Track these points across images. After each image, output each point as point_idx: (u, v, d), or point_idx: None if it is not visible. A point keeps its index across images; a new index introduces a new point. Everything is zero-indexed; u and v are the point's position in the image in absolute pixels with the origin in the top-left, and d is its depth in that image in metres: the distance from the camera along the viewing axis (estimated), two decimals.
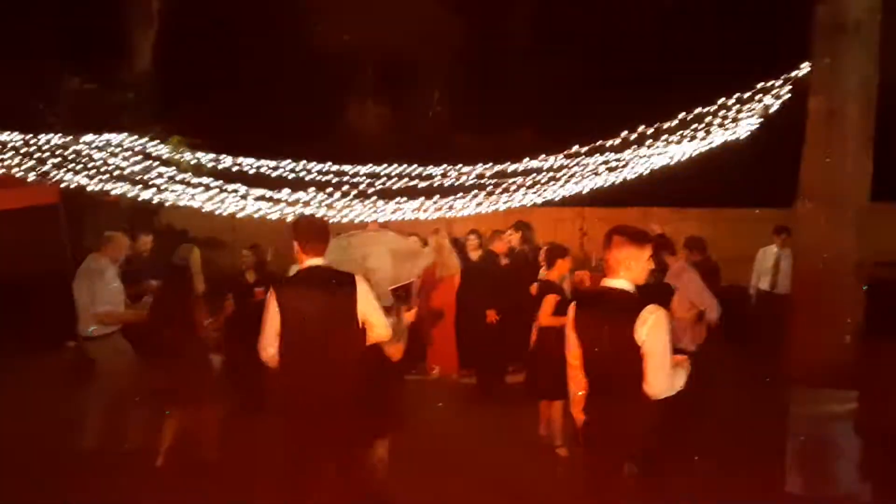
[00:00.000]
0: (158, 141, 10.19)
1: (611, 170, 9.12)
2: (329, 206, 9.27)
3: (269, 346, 4.55)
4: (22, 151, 7.87)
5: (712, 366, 8.03)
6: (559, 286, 7.18)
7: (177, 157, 10.61)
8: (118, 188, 9.13)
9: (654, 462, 4.78)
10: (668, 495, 4.30)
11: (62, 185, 8.66)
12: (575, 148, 7.86)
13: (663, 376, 3.99)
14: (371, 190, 8.87)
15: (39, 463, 6.62)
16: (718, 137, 8.68)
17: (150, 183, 9.45)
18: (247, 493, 5.92)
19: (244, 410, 7.33)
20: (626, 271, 4.12)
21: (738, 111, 7.94)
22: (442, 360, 9.79)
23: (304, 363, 4.49)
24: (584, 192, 10.18)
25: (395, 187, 8.80)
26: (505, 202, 9.27)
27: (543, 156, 8.42)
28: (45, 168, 8.12)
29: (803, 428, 5.78)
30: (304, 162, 9.15)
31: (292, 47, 15.75)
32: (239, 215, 9.42)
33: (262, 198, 9.41)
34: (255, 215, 9.45)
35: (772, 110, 7.96)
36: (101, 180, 8.76)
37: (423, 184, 9.07)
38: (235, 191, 9.46)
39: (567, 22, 15.64)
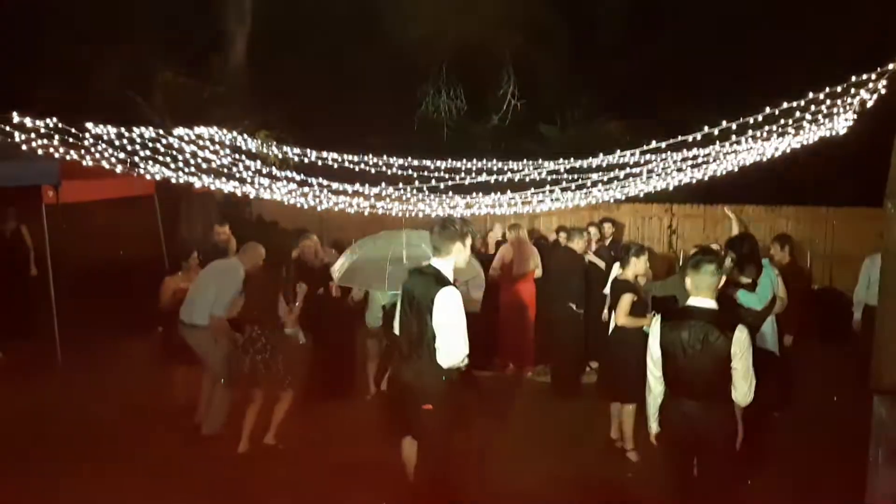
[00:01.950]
0: (246, 135, 10.46)
1: (695, 166, 8.80)
2: (405, 201, 9.30)
3: None
4: (115, 144, 8.19)
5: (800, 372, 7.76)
6: (634, 285, 7.02)
7: (264, 150, 10.88)
8: (206, 181, 9.40)
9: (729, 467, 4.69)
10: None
11: (153, 178, 8.98)
12: (654, 143, 7.59)
13: (748, 387, 4.40)
14: (447, 185, 8.83)
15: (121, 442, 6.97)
16: (812, 133, 8.25)
17: (238, 176, 9.69)
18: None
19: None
20: (711, 292, 4.54)
21: (831, 106, 7.51)
22: (517, 357, 9.72)
23: None
24: (670, 189, 9.87)
25: (468, 182, 8.74)
26: (584, 198, 9.08)
27: (620, 151, 8.18)
28: (136, 160, 8.43)
29: (886, 436, 5.45)
30: (385, 156, 9.21)
31: (375, 41, 15.89)
32: (319, 208, 9.57)
33: (343, 191, 9.51)
34: (336, 208, 9.58)
35: (868, 105, 7.49)
36: (189, 173, 9.04)
37: (501, 178, 8.98)
38: (319, 184, 9.60)
39: (653, 13, 15.24)
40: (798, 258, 8.42)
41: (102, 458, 6.55)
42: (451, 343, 4.71)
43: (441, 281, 4.80)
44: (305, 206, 9.23)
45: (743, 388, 4.40)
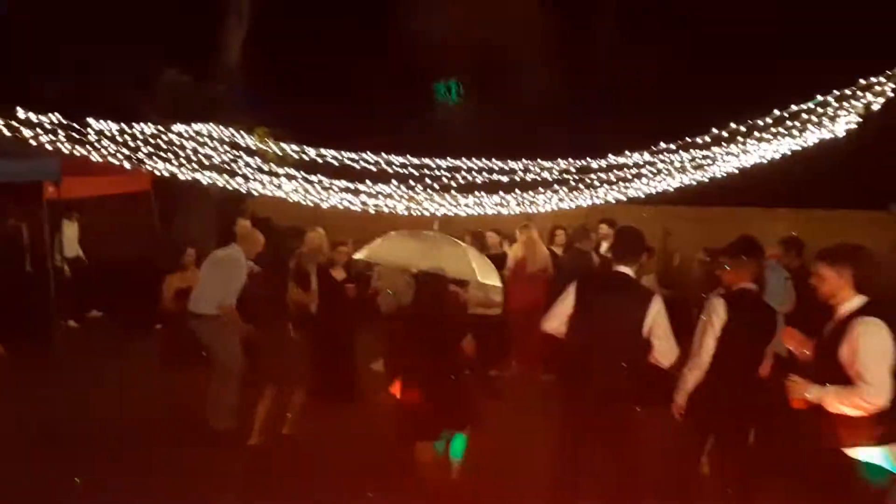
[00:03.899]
0: (245, 132, 10.41)
1: (697, 167, 8.86)
2: (410, 199, 9.29)
3: None
4: (118, 140, 8.13)
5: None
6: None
7: (262, 147, 10.82)
8: (207, 177, 9.35)
9: None
10: None
11: (154, 174, 8.93)
12: (661, 144, 7.64)
13: None
14: (453, 183, 8.84)
15: (136, 440, 6.88)
16: (814, 136, 8.33)
17: (237, 173, 9.65)
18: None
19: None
20: None
21: (838, 109, 7.59)
22: (526, 357, 9.66)
23: None
24: (670, 190, 9.94)
25: (476, 181, 8.75)
26: (588, 198, 9.11)
27: (628, 152, 8.23)
28: (139, 157, 8.37)
29: None
30: (384, 154, 9.19)
31: (376, 41, 15.86)
32: (323, 205, 9.53)
33: (344, 189, 9.49)
34: (339, 206, 9.55)
35: (873, 108, 7.57)
36: (190, 169, 8.98)
37: (504, 178, 9.00)
38: (320, 181, 9.58)
39: (659, 15, 15.30)
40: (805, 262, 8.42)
41: (99, 457, 6.44)
42: None
43: None
44: (310, 204, 9.19)
45: None
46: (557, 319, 4.86)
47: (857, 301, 3.82)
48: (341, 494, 5.95)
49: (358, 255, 7.67)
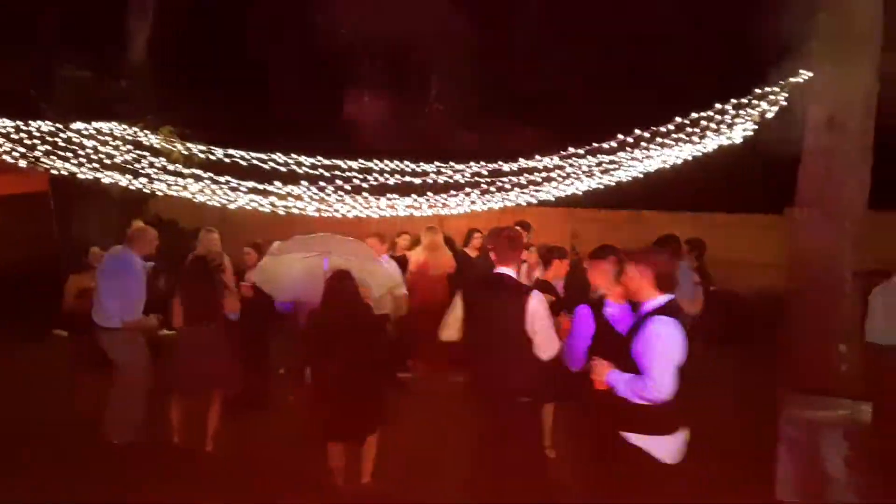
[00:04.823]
0: (149, 131, 10.10)
1: (604, 172, 9.09)
2: (321, 201, 9.19)
3: None
4: (13, 138, 7.75)
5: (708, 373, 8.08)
6: (554, 287, 7.15)
7: (167, 147, 10.52)
8: (108, 177, 9.01)
9: None
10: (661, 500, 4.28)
11: (52, 173, 8.56)
12: (570, 149, 7.81)
13: None
14: (364, 185, 8.79)
15: (46, 455, 6.58)
16: (713, 142, 8.66)
17: (141, 172, 9.36)
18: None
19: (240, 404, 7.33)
20: None
21: (735, 116, 7.92)
22: (432, 359, 9.71)
23: None
24: (578, 193, 10.17)
25: (389, 183, 8.73)
26: (499, 201, 9.23)
27: (538, 156, 8.37)
28: (36, 155, 7.99)
29: (795, 435, 5.77)
30: (295, 155, 9.06)
31: (287, 39, 15.64)
32: (230, 206, 9.33)
33: (252, 190, 9.33)
34: (247, 207, 9.36)
35: (768, 116, 7.94)
36: (91, 168, 8.64)
37: (417, 180, 9.02)
38: (227, 182, 9.38)
39: (567, 23, 15.60)
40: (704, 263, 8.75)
41: None
42: None
43: None
44: (217, 205, 8.97)
45: None
46: (451, 327, 5.02)
47: (658, 300, 4.06)
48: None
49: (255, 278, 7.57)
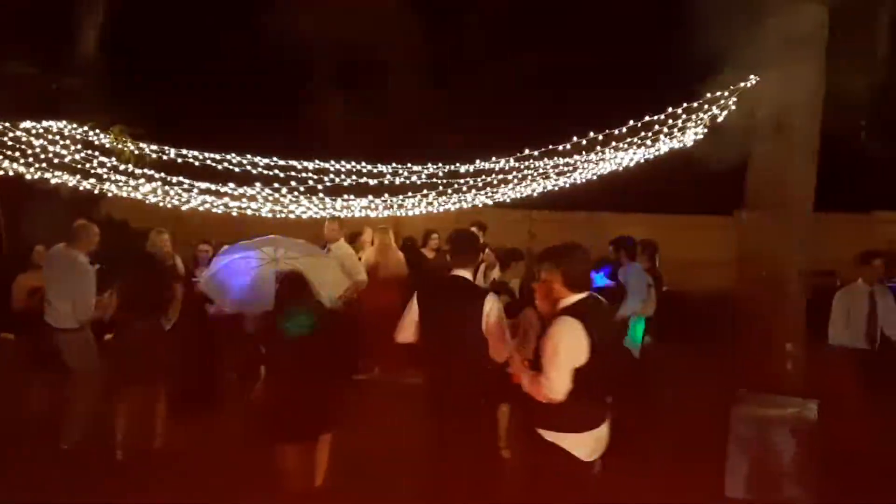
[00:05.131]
0: (100, 130, 9.91)
1: (560, 174, 9.18)
2: (275, 202, 9.12)
3: None
4: None
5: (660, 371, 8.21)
6: (511, 288, 7.21)
7: (119, 146, 10.34)
8: (58, 177, 8.84)
9: None
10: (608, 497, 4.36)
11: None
12: (526, 151, 7.87)
13: None
14: (320, 186, 8.74)
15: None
16: (665, 145, 8.80)
17: (91, 172, 9.20)
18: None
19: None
20: None
21: (686, 120, 8.06)
22: (384, 361, 9.69)
23: None
24: (534, 195, 10.25)
25: (345, 183, 8.69)
26: (456, 202, 9.26)
27: (495, 157, 8.41)
28: None
29: (743, 432, 5.89)
30: (250, 156, 8.97)
31: (243, 38, 15.48)
32: (183, 207, 9.20)
33: (207, 191, 9.22)
34: (200, 208, 9.24)
35: (718, 120, 8.09)
36: (39, 168, 8.46)
37: (373, 181, 9.00)
38: (180, 182, 9.26)
39: (522, 26, 15.72)
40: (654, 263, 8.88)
41: None
42: None
43: None
44: (168, 206, 8.84)
45: None
46: (407, 329, 5.01)
47: (569, 299, 4.10)
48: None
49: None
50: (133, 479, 6.15)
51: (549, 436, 4.04)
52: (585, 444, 4.06)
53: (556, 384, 3.94)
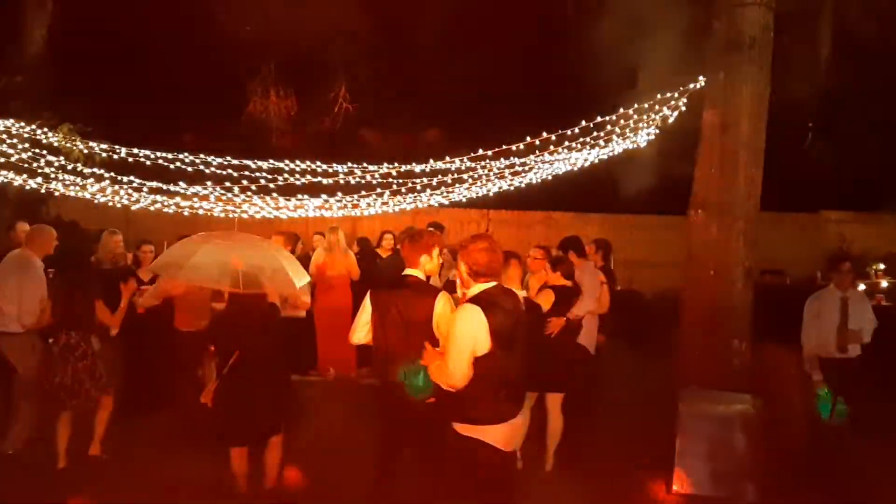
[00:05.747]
0: (48, 129, 9.71)
1: (515, 174, 9.23)
2: (228, 202, 9.02)
3: None
4: None
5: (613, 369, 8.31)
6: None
7: (67, 145, 10.14)
8: (3, 176, 8.64)
9: None
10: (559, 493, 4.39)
11: None
12: (480, 151, 7.89)
13: None
14: (273, 186, 8.67)
15: None
16: (618, 146, 8.89)
17: (39, 172, 9.01)
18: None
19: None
20: None
21: (638, 121, 8.15)
22: (337, 361, 9.65)
23: None
24: (490, 195, 10.29)
25: (298, 183, 8.63)
26: (411, 202, 9.25)
27: (449, 157, 8.42)
28: None
29: (691, 428, 5.98)
30: (203, 155, 8.86)
31: (195, 36, 15.28)
32: (133, 208, 9.05)
33: (157, 190, 9.08)
34: (151, 208, 9.11)
35: (669, 121, 8.20)
36: None
37: (327, 181, 8.95)
38: (130, 182, 9.11)
39: (475, 26, 15.77)
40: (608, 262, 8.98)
41: None
42: None
43: None
44: (118, 205, 8.69)
45: None
46: (361, 330, 4.99)
47: (474, 289, 4.15)
48: None
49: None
50: (75, 485, 6.02)
51: (462, 428, 4.05)
52: (502, 434, 4.05)
53: (453, 370, 3.94)
